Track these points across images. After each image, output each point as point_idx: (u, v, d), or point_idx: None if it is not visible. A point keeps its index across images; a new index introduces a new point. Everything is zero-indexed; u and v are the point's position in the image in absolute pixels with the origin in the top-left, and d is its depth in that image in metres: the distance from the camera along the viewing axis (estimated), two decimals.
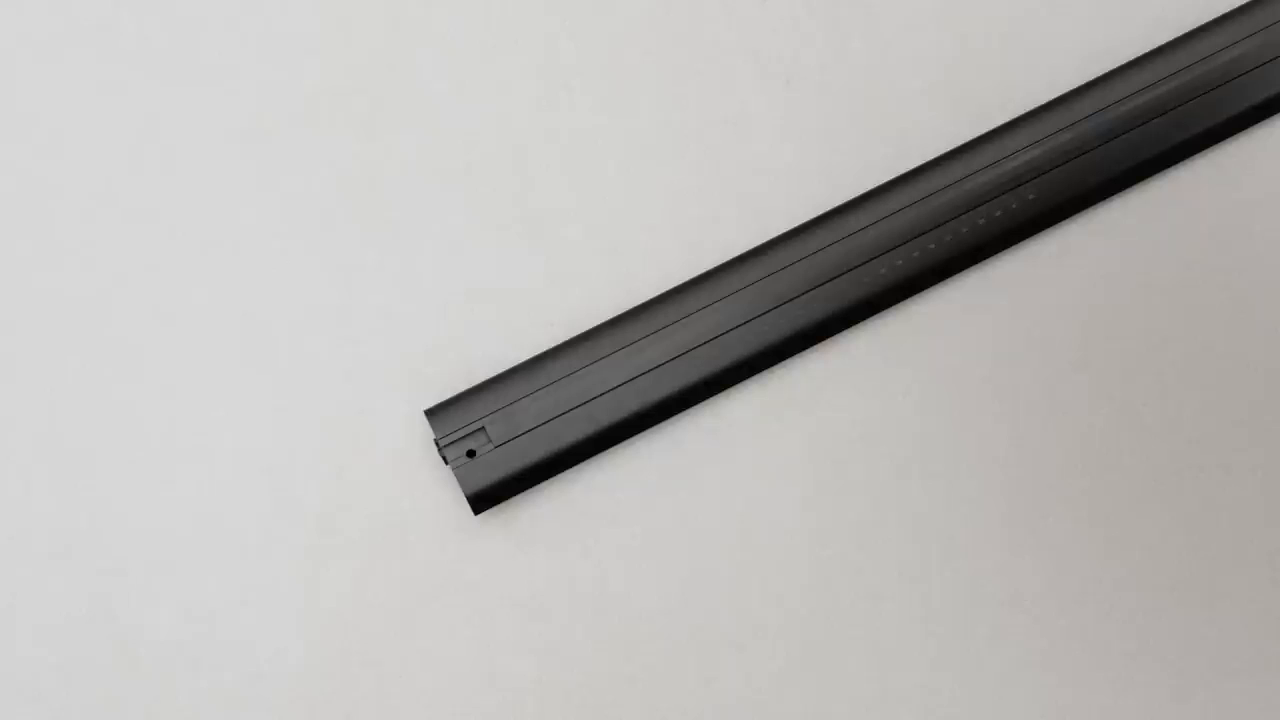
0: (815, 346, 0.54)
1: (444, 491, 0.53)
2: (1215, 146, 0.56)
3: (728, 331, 0.53)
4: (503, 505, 0.53)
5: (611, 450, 0.53)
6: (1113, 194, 0.56)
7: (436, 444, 0.52)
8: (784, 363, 0.54)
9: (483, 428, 0.52)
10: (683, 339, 0.53)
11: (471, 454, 0.52)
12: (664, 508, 0.53)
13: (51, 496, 0.53)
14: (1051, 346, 0.55)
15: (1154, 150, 0.55)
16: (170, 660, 0.52)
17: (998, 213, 0.54)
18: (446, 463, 0.52)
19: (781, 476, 0.53)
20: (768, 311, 0.53)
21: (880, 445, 0.54)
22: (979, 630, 0.53)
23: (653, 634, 0.53)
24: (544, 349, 0.53)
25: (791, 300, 0.53)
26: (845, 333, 0.54)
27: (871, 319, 0.54)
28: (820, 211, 0.55)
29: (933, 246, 0.54)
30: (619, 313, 0.54)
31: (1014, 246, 0.55)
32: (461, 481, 0.52)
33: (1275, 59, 0.56)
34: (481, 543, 0.53)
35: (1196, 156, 0.56)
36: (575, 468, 0.53)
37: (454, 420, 0.52)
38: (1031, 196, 0.54)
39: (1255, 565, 0.53)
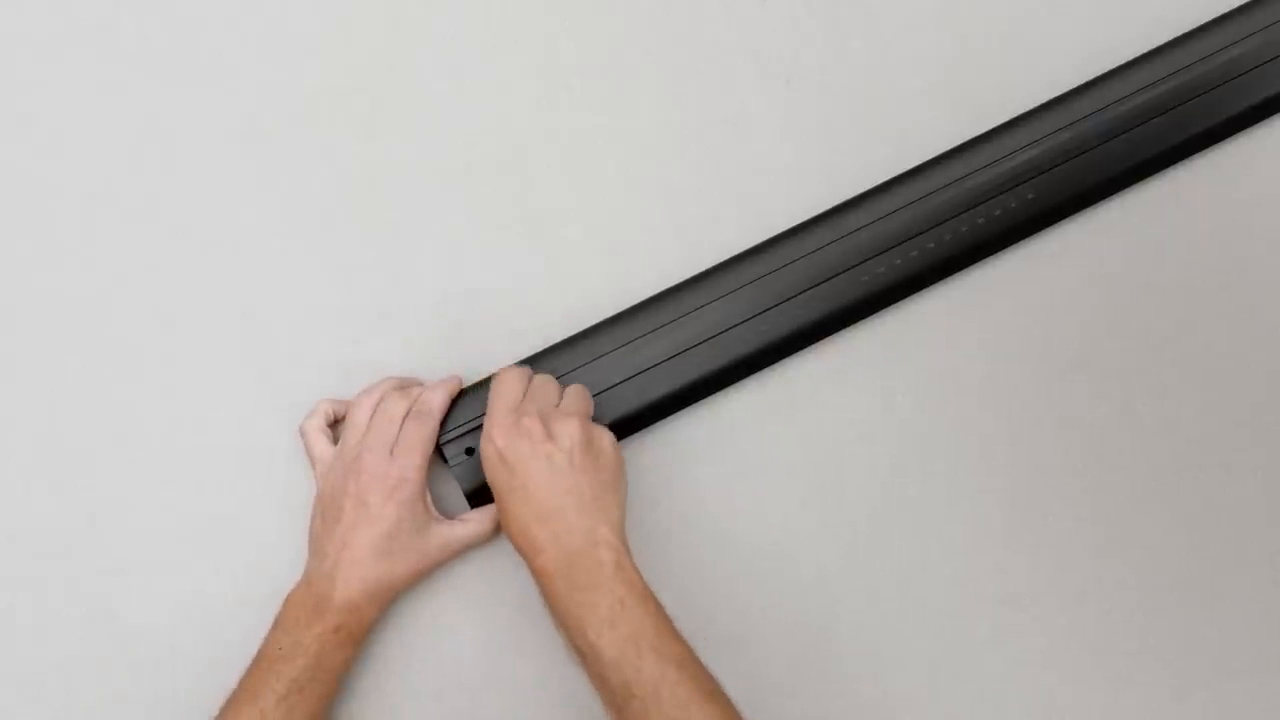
0: (815, 345, 0.54)
1: (444, 489, 0.53)
2: (1214, 146, 0.56)
3: (727, 330, 0.53)
4: None
5: None
6: (1112, 194, 0.56)
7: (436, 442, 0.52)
8: (783, 361, 0.54)
9: (482, 425, 0.52)
10: (682, 337, 0.53)
11: (470, 452, 0.52)
12: (663, 507, 0.53)
13: (51, 496, 0.53)
14: (1051, 345, 0.55)
15: (1153, 150, 0.55)
16: (170, 660, 0.52)
17: (997, 212, 0.54)
18: (446, 461, 0.52)
19: (781, 476, 0.53)
20: (768, 310, 0.53)
21: (880, 444, 0.54)
22: (979, 630, 0.53)
23: None
24: (543, 348, 0.53)
25: (791, 299, 0.53)
26: (845, 331, 0.54)
27: (871, 318, 0.54)
28: (820, 211, 0.55)
29: (932, 245, 0.54)
30: (618, 312, 0.54)
31: (1014, 245, 0.55)
32: (460, 479, 0.52)
33: (1275, 59, 0.56)
34: None
35: (1196, 156, 0.56)
36: None
37: (454, 419, 0.52)
38: (1031, 196, 0.54)
39: (1255, 565, 0.53)
